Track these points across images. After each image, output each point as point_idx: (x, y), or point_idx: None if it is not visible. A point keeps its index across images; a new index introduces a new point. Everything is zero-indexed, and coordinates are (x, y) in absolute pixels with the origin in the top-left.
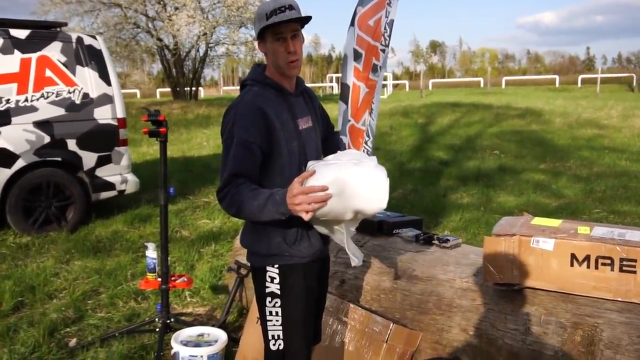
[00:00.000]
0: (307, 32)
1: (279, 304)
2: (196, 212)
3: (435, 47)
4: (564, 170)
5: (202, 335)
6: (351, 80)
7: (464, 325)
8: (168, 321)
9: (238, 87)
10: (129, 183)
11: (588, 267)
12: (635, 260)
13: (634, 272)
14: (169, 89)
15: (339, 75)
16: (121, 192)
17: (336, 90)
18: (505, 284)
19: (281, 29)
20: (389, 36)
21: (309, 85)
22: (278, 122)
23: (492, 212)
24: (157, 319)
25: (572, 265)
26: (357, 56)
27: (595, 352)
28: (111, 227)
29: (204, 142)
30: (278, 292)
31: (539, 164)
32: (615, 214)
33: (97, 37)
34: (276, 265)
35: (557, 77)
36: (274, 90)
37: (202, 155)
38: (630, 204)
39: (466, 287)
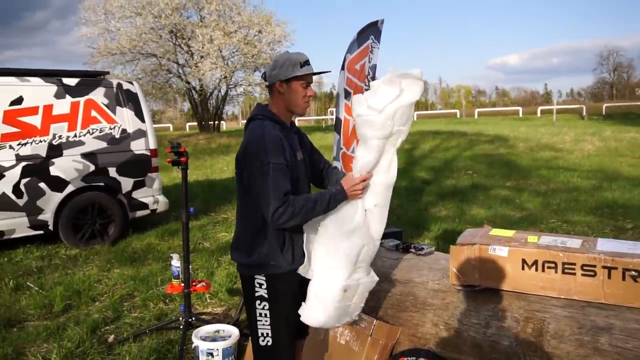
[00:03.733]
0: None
1: (267, 306)
2: (216, 227)
3: None
4: (526, 187)
5: (218, 331)
6: (342, 114)
7: (436, 320)
8: (190, 320)
9: None
10: (160, 203)
11: (536, 270)
12: (574, 264)
13: (574, 274)
14: (195, 123)
15: None
16: (153, 210)
17: None
18: (468, 286)
19: (310, 78)
20: (372, 78)
21: (315, 117)
22: (290, 152)
23: (466, 223)
24: (180, 318)
25: (523, 269)
26: (347, 94)
27: (543, 342)
28: (145, 241)
29: (225, 167)
30: (266, 296)
31: (505, 181)
32: (567, 223)
33: (134, 82)
34: (263, 274)
35: (520, 108)
36: (279, 125)
37: (223, 178)
38: (580, 214)
39: (437, 288)
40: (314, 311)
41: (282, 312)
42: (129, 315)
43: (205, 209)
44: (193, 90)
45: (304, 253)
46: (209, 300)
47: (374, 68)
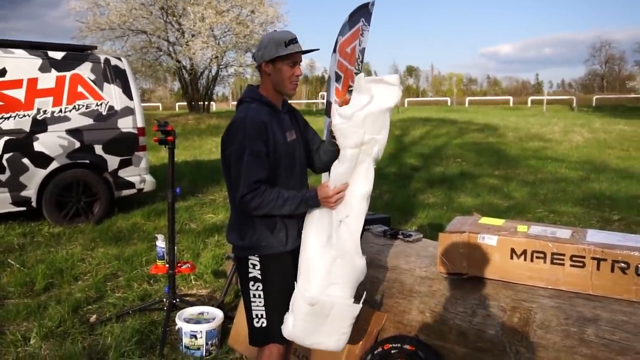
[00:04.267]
0: (304, 57)
1: (260, 287)
2: (203, 208)
3: (411, 71)
4: (514, 176)
5: (202, 313)
6: (333, 98)
7: (422, 308)
8: (174, 301)
9: None
10: (147, 182)
11: (525, 259)
12: (563, 255)
13: (563, 265)
14: (185, 103)
15: None
16: (140, 190)
17: None
18: (456, 274)
19: (296, 57)
20: (361, 61)
21: (306, 101)
22: (274, 133)
23: (453, 210)
24: (164, 299)
25: (511, 258)
26: (337, 78)
27: (529, 331)
28: (131, 220)
29: (213, 148)
30: (260, 277)
31: (493, 170)
32: (554, 213)
33: (122, 58)
34: (256, 255)
35: (511, 98)
36: (268, 107)
37: (212, 159)
38: (567, 205)
39: (424, 275)
40: (285, 319)
41: (275, 293)
42: (112, 295)
43: (192, 189)
44: (183, 70)
45: (300, 234)
46: (193, 282)
47: (363, 51)
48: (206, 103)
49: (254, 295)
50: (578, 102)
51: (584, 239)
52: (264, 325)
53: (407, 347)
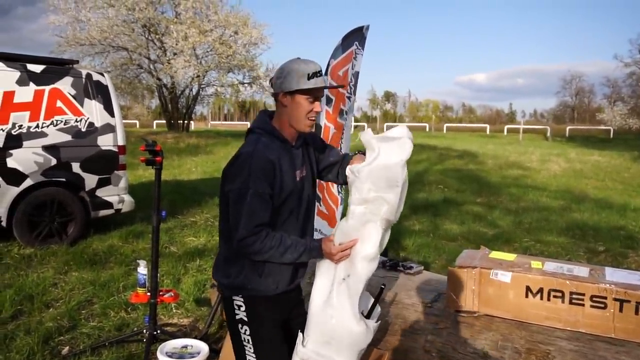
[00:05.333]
0: None
1: (248, 331)
2: (184, 230)
3: (388, 96)
4: (497, 204)
5: (185, 347)
6: (323, 121)
7: (428, 347)
8: (155, 332)
9: (223, 122)
10: (126, 203)
11: (541, 298)
12: (583, 294)
13: (582, 305)
14: (164, 121)
15: None
16: (118, 210)
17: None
18: (465, 311)
19: (319, 92)
20: (354, 85)
21: None
22: (282, 174)
23: (440, 238)
24: (144, 330)
25: (527, 296)
26: (328, 101)
27: None
28: (107, 242)
29: (193, 168)
30: (246, 319)
31: (476, 197)
32: (541, 243)
33: (105, 74)
34: (240, 296)
35: (487, 125)
36: (279, 141)
37: (191, 179)
38: (552, 234)
39: (429, 311)
40: None
41: (265, 338)
42: (86, 325)
43: (172, 211)
44: (164, 88)
45: (293, 279)
46: (174, 310)
47: (356, 75)
48: (186, 122)
49: (244, 340)
50: (552, 132)
51: (604, 278)
52: None
53: None
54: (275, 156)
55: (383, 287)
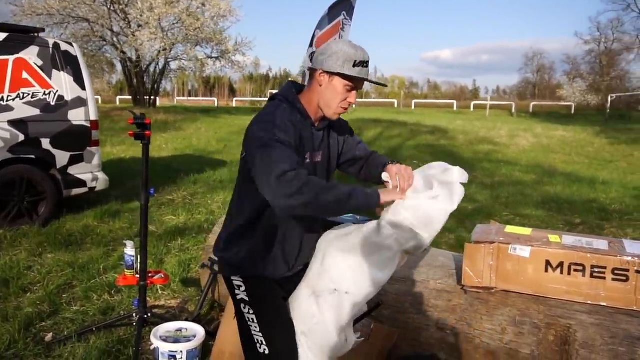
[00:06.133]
0: (251, 54)
1: (252, 310)
2: (161, 209)
3: None
4: (472, 179)
5: (180, 330)
6: None
7: (441, 324)
8: (145, 316)
9: (189, 98)
10: (100, 181)
11: (561, 272)
12: (605, 267)
13: (604, 278)
14: (128, 97)
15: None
16: (92, 189)
17: None
18: (483, 288)
19: (359, 83)
20: None
21: (250, 99)
22: (297, 143)
23: None
24: (134, 314)
25: (546, 271)
26: None
27: (570, 351)
28: (82, 222)
29: (164, 144)
30: (247, 299)
31: None
32: (520, 217)
33: (74, 44)
34: (239, 276)
35: (455, 102)
36: (300, 116)
37: (163, 157)
38: (530, 208)
39: (440, 288)
40: None
41: (270, 316)
42: (68, 309)
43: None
44: (128, 61)
45: (292, 264)
46: (160, 292)
47: None
48: (152, 98)
49: (249, 319)
50: (517, 108)
51: (625, 251)
52: (267, 352)
53: None
54: (295, 124)
55: (380, 303)
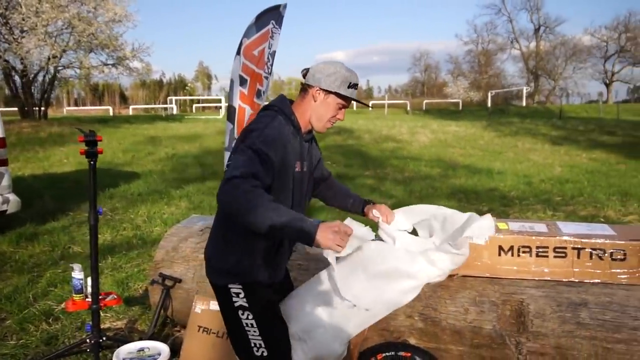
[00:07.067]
0: (143, 60)
1: (251, 316)
2: (82, 228)
3: None
4: (385, 176)
5: (142, 350)
6: (237, 102)
7: (409, 312)
8: (100, 340)
9: (78, 107)
10: (11, 203)
11: (512, 255)
12: (547, 247)
13: (547, 256)
14: (12, 109)
15: (179, 97)
16: (3, 212)
17: (176, 111)
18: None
19: (349, 103)
20: (272, 65)
21: (144, 106)
22: (287, 158)
23: (347, 212)
24: (88, 340)
25: (499, 255)
26: (242, 82)
27: (526, 322)
28: None
29: (64, 159)
30: (247, 305)
31: (364, 171)
32: None
33: None
34: (238, 283)
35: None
36: (293, 127)
37: (66, 172)
38: (442, 200)
39: None
40: None
41: (269, 320)
42: (6, 345)
43: (60, 207)
44: (13, 70)
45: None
46: (102, 314)
47: (274, 54)
48: (42, 109)
49: (247, 325)
50: (412, 107)
51: (561, 231)
52: (265, 354)
53: (402, 354)
54: (287, 138)
55: None
